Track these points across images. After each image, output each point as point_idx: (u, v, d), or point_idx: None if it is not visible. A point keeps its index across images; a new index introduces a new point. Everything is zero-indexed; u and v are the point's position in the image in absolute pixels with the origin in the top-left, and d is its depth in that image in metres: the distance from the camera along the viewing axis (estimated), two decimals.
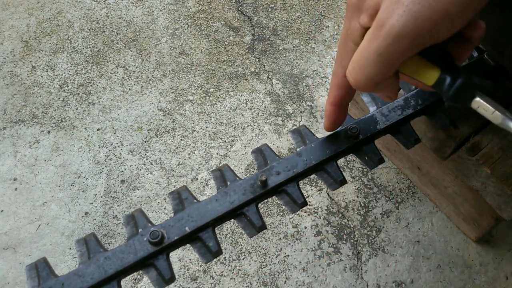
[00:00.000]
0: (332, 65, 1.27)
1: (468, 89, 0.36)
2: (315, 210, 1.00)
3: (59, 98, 1.17)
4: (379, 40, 0.33)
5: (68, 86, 1.20)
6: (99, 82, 1.21)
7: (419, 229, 0.99)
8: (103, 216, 0.99)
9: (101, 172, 1.05)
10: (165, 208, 1.00)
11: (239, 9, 1.39)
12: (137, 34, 1.32)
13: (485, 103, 0.36)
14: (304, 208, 1.04)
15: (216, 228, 0.49)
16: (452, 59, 0.37)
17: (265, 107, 1.17)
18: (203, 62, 1.26)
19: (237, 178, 0.50)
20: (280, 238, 0.97)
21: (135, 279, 0.91)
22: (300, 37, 1.33)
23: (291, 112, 1.17)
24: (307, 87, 1.22)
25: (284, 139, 1.11)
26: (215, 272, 0.92)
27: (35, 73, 1.22)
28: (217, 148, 1.09)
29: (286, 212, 1.00)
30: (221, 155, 1.08)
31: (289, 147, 1.10)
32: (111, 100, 1.18)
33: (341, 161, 1.08)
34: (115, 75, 1.22)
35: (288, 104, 1.18)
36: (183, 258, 0.94)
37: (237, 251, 0.95)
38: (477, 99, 0.36)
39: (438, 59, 0.36)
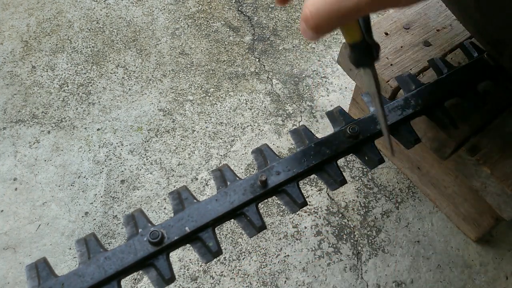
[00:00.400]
0: (332, 65, 1.27)
1: (366, 60, 0.44)
2: (315, 210, 1.00)
3: (59, 98, 1.17)
4: None
5: (68, 86, 1.20)
6: (99, 82, 1.21)
7: (419, 229, 0.99)
8: (103, 216, 0.99)
9: (101, 172, 1.05)
10: (165, 208, 1.00)
11: (239, 9, 1.39)
12: (137, 34, 1.32)
13: (368, 75, 0.44)
14: (304, 208, 1.04)
15: (216, 228, 0.49)
16: (371, 30, 0.43)
17: (265, 107, 1.17)
18: (203, 62, 1.26)
19: (237, 178, 0.50)
20: (280, 238, 0.97)
21: (135, 279, 0.91)
22: (300, 37, 1.33)
23: (291, 112, 1.17)
24: (307, 87, 1.22)
25: (284, 139, 1.11)
26: (215, 272, 0.92)
27: (35, 73, 1.22)
28: (217, 148, 1.09)
29: (286, 212, 1.00)
30: (221, 155, 1.08)
31: (289, 147, 1.10)
32: (111, 100, 1.18)
33: (341, 161, 1.08)
34: (115, 75, 1.22)
35: (288, 104, 1.18)
36: (183, 258, 0.94)
37: (237, 251, 0.95)
38: (367, 69, 0.44)
39: (365, 25, 0.42)
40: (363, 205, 1.02)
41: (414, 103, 0.58)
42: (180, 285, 0.90)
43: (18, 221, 0.98)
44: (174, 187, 1.03)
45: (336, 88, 1.22)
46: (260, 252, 0.95)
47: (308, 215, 1.00)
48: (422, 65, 0.76)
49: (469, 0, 0.51)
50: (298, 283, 0.91)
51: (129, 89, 1.20)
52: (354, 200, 1.02)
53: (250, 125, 1.14)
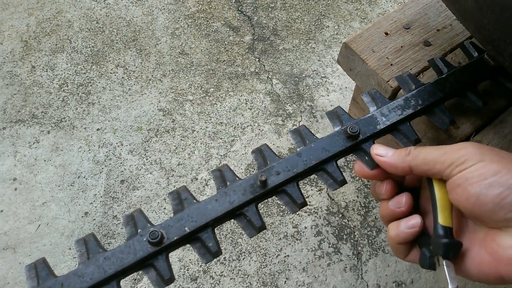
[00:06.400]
0: (332, 65, 1.27)
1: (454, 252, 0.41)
2: (315, 210, 1.00)
3: (58, 98, 1.17)
4: None
5: (67, 86, 1.20)
6: (99, 82, 1.21)
7: None
8: (102, 216, 0.99)
9: (101, 172, 1.05)
10: (165, 208, 1.00)
11: (239, 9, 1.39)
12: (137, 34, 1.32)
13: (443, 271, 0.40)
14: (304, 208, 1.04)
15: (216, 228, 0.48)
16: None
17: (265, 107, 1.17)
18: (203, 62, 1.26)
19: (237, 178, 0.50)
20: (280, 238, 0.97)
21: (135, 279, 0.91)
22: (300, 37, 1.33)
23: (291, 112, 1.16)
24: (307, 87, 1.22)
25: (284, 139, 1.11)
26: (215, 272, 0.92)
27: (34, 73, 1.22)
28: (217, 148, 1.09)
29: (286, 212, 1.00)
30: (221, 155, 1.08)
31: (289, 147, 1.10)
32: (111, 100, 1.18)
33: (341, 161, 1.08)
34: (115, 75, 1.22)
35: (288, 104, 1.18)
36: (183, 258, 0.94)
37: (237, 251, 0.95)
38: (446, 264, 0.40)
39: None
40: (363, 205, 1.02)
41: (414, 103, 0.58)
42: (180, 285, 0.90)
43: (18, 221, 0.97)
44: (174, 187, 1.03)
45: (336, 88, 1.22)
46: (260, 252, 0.95)
47: (308, 215, 1.00)
48: (423, 65, 0.76)
49: (469, 0, 0.51)
50: (298, 283, 0.91)
51: (129, 89, 1.20)
52: (354, 200, 1.02)
53: (250, 125, 1.13)
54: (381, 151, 0.48)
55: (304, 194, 0.51)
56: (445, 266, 0.39)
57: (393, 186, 0.48)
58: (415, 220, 0.43)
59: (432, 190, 0.43)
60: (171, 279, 0.44)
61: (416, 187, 0.50)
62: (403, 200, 0.45)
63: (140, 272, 0.45)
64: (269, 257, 0.94)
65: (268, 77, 1.23)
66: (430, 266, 0.41)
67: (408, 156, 0.44)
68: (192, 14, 1.37)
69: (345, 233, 0.98)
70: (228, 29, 1.34)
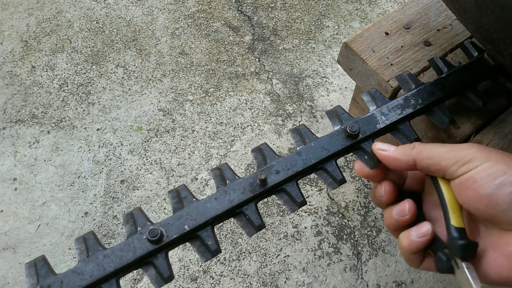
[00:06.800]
0: (332, 65, 1.27)
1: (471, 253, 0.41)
2: (315, 210, 1.00)
3: (58, 98, 1.17)
4: None
5: (67, 86, 1.20)
6: (99, 82, 1.21)
7: None
8: (103, 216, 0.99)
9: (101, 172, 1.05)
10: (165, 208, 1.00)
11: (239, 9, 1.39)
12: (137, 34, 1.32)
13: (463, 273, 0.40)
14: (304, 208, 1.04)
15: (216, 229, 0.48)
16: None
17: (265, 107, 1.17)
18: (203, 62, 1.26)
19: (237, 177, 0.50)
20: (280, 238, 0.96)
21: (135, 279, 0.91)
22: (300, 37, 1.33)
23: (291, 112, 1.16)
24: (307, 87, 1.22)
25: (284, 139, 1.11)
26: (215, 272, 0.92)
27: (34, 73, 1.22)
28: (217, 148, 1.09)
29: (286, 212, 1.00)
30: (221, 155, 1.08)
31: (289, 147, 1.10)
32: (111, 100, 1.18)
33: (341, 161, 1.08)
34: (115, 75, 1.22)
35: (288, 104, 1.18)
36: (183, 258, 0.93)
37: (237, 251, 0.95)
38: (466, 266, 0.40)
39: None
40: (363, 205, 1.02)
41: (414, 103, 0.58)
42: (180, 285, 0.90)
43: (18, 221, 0.97)
44: (174, 187, 1.03)
45: (336, 88, 1.22)
46: (260, 252, 0.95)
47: (308, 215, 1.00)
48: (423, 64, 0.76)
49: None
50: (298, 283, 0.91)
51: (129, 89, 1.20)
52: (354, 200, 1.02)
53: (250, 125, 1.14)
54: (383, 146, 0.48)
55: (304, 194, 0.51)
56: (465, 268, 0.38)
57: (393, 187, 0.48)
58: (426, 228, 0.42)
59: (440, 191, 0.43)
60: (170, 277, 0.44)
61: (416, 192, 0.49)
62: (406, 208, 0.44)
63: (140, 271, 0.45)
64: (269, 257, 0.94)
65: (268, 77, 1.24)
66: (449, 270, 0.40)
67: (413, 150, 0.44)
68: (192, 14, 1.37)
69: (345, 233, 0.97)
70: (228, 29, 1.34)
